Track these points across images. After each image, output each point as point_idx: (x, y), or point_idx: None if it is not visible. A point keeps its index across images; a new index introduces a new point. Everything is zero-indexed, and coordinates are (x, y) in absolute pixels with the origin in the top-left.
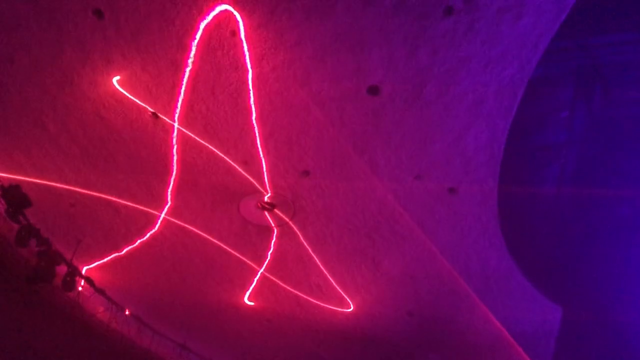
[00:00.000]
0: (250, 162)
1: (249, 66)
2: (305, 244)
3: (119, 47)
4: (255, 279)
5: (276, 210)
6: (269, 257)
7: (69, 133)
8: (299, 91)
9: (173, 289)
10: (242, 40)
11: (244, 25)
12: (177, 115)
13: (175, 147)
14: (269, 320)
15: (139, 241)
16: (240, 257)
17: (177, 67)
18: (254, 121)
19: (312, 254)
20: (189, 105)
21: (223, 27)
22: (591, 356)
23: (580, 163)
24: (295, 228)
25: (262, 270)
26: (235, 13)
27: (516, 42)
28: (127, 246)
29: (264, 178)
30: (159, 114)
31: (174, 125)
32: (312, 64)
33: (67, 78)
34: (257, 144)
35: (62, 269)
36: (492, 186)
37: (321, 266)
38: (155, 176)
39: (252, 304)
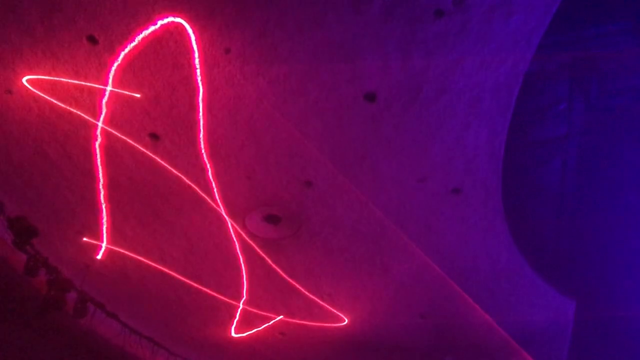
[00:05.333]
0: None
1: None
2: (314, 254)
3: (116, 72)
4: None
5: (282, 223)
6: (279, 271)
7: (71, 160)
8: (296, 103)
9: (185, 309)
10: (237, 57)
11: (237, 42)
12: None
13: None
14: (282, 334)
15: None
16: (253, 272)
17: (174, 89)
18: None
19: (322, 264)
20: (186, 122)
21: (217, 45)
22: (608, 352)
23: (582, 154)
24: (302, 239)
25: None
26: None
27: (509, 39)
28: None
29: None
30: (159, 137)
31: (174, 151)
32: (307, 74)
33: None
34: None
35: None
36: (496, 184)
37: (330, 276)
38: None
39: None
